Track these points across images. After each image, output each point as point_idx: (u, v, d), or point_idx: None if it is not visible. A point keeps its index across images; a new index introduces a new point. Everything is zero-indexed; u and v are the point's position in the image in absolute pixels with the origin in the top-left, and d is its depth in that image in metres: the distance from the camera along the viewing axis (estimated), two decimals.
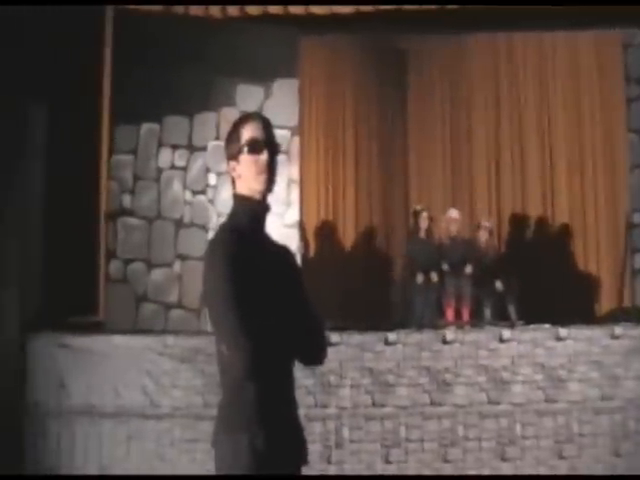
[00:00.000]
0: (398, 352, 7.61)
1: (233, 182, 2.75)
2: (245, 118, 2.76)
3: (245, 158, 2.68)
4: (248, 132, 2.69)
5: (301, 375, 7.15)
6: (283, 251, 2.81)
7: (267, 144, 2.69)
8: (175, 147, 8.95)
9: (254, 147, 2.68)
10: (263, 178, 2.68)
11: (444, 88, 10.61)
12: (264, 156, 2.68)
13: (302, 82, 9.78)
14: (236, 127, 2.73)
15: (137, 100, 8.29)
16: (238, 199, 2.73)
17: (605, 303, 9.90)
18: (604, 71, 10.32)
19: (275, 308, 2.61)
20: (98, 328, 7.77)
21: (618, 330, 7.75)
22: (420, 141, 10.54)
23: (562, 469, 7.07)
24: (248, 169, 2.68)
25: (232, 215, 2.73)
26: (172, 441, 6.90)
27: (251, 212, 2.71)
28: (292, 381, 2.72)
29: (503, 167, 10.45)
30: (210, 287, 2.58)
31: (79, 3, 7.16)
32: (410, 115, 10.53)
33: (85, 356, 7.02)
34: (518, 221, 10.29)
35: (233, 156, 2.71)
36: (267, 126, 2.73)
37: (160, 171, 8.85)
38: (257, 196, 2.70)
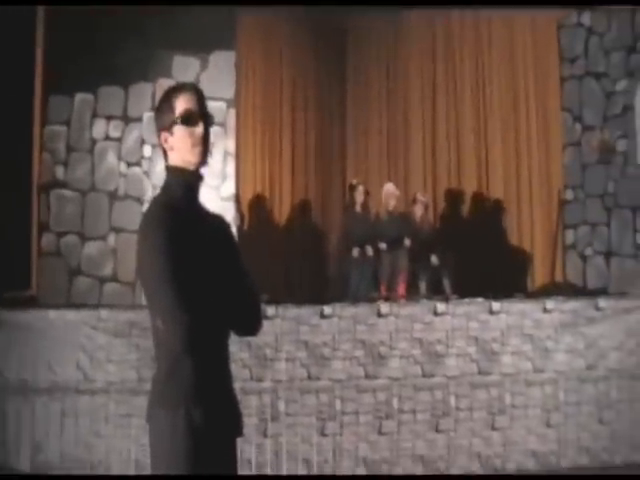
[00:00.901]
0: (334, 325, 7.63)
1: (165, 153, 2.70)
2: (178, 89, 2.69)
3: (179, 130, 2.63)
4: (182, 103, 2.64)
5: (236, 348, 7.17)
6: (219, 222, 2.77)
7: (202, 116, 2.65)
8: (110, 118, 8.79)
9: (189, 119, 2.63)
10: (198, 150, 2.64)
11: (381, 65, 10.65)
12: (199, 128, 2.64)
13: (239, 55, 9.68)
14: (168, 97, 2.67)
15: (71, 70, 8.11)
16: (171, 171, 2.69)
17: (538, 278, 10.07)
18: (539, 51, 10.43)
19: (211, 280, 2.58)
20: (31, 302, 7.63)
21: (550, 304, 7.90)
22: (357, 116, 10.57)
23: (495, 439, 7.21)
24: (182, 141, 2.63)
25: (165, 187, 2.68)
26: (107, 416, 6.84)
27: (185, 184, 2.67)
28: (228, 354, 2.72)
29: (439, 143, 10.53)
30: (144, 261, 2.54)
31: None
32: (348, 90, 10.54)
33: (18, 331, 6.90)
34: (453, 196, 10.38)
35: (166, 127, 2.65)
36: (200, 97, 2.68)
37: (94, 142, 8.70)
38: (191, 167, 2.66)
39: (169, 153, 2.68)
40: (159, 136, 2.68)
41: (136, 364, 6.87)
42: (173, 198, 2.62)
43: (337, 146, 10.54)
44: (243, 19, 9.65)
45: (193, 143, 2.63)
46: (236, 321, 2.68)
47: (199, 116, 2.64)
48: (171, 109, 2.64)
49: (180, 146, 2.64)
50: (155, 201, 2.65)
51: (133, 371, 6.90)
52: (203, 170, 2.69)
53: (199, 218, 2.69)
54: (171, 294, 2.45)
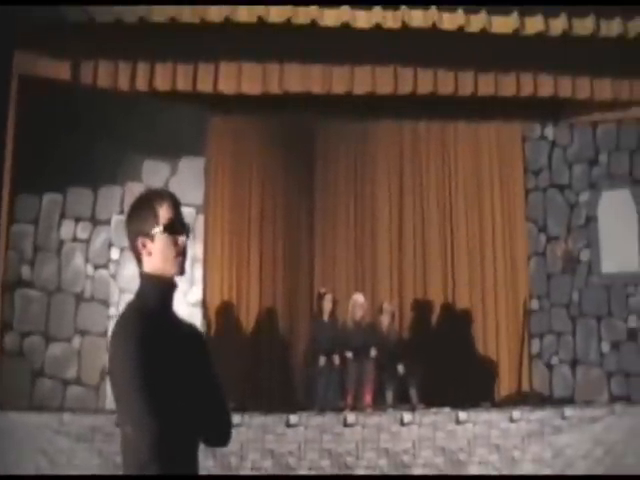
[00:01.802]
0: (300, 434, 7.53)
1: (139, 259, 2.68)
2: (160, 196, 2.69)
3: (162, 238, 2.62)
4: (166, 212, 2.64)
5: (201, 456, 6.99)
6: (192, 331, 2.77)
7: (183, 226, 2.67)
8: (78, 219, 8.78)
9: (173, 228, 2.64)
10: (179, 260, 2.65)
11: (349, 172, 10.79)
12: (183, 238, 2.65)
13: (208, 160, 9.80)
14: (150, 203, 2.67)
15: (40, 169, 8.13)
16: (146, 277, 2.67)
17: (504, 387, 10.03)
18: (504, 162, 10.69)
19: (182, 389, 2.55)
20: None
21: (516, 414, 7.87)
22: (325, 224, 10.65)
23: None
24: (164, 249, 2.63)
25: (140, 294, 2.67)
26: None
27: (160, 291, 2.66)
28: (196, 463, 2.67)
29: (405, 252, 10.62)
30: (116, 367, 2.51)
31: None
32: (316, 197, 10.65)
33: None
34: (420, 305, 10.41)
35: (145, 233, 2.65)
36: (179, 207, 2.70)
37: (62, 243, 8.64)
38: (167, 275, 2.66)
39: (145, 259, 2.66)
40: (135, 240, 2.66)
41: (98, 470, 6.69)
42: (147, 305, 2.61)
43: (305, 254, 10.57)
44: (214, 121, 9.80)
45: (177, 253, 2.63)
46: (206, 432, 2.65)
47: (182, 226, 2.66)
48: (154, 216, 2.63)
49: (161, 254, 2.63)
50: (129, 307, 2.63)
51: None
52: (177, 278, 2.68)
53: (172, 326, 2.68)
54: (141, 401, 2.42)
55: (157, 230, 2.62)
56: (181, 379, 2.56)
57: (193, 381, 2.60)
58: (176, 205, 2.67)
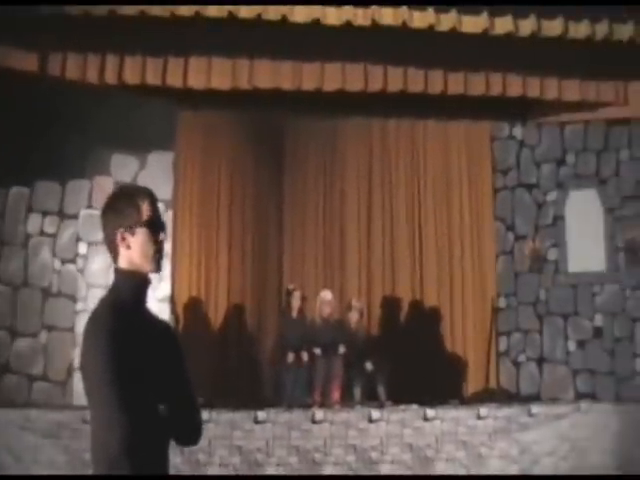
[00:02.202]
0: (267, 431, 7.53)
1: (116, 252, 2.67)
2: (142, 192, 2.70)
3: (143, 233, 2.62)
4: (148, 208, 2.65)
5: (170, 453, 6.97)
6: (164, 327, 2.78)
7: (163, 224, 2.68)
8: (45, 213, 8.71)
9: (154, 225, 2.64)
10: (157, 257, 2.66)
11: (319, 169, 10.80)
12: (162, 235, 2.66)
13: (177, 155, 9.76)
14: (132, 198, 2.66)
15: (6, 162, 8.04)
16: (121, 272, 2.67)
17: (471, 384, 10.09)
18: (473, 161, 10.75)
19: (154, 385, 2.56)
20: None
21: (483, 411, 7.93)
22: (294, 220, 10.65)
23: None
24: (143, 245, 2.63)
25: (114, 289, 2.66)
26: None
27: (135, 287, 2.65)
28: (167, 460, 2.66)
29: (374, 249, 10.64)
30: (88, 362, 2.50)
31: None
32: (285, 193, 10.64)
33: None
34: (388, 303, 10.44)
35: (127, 226, 2.65)
36: (157, 205, 2.71)
37: (28, 237, 8.57)
38: (142, 271, 2.65)
39: (122, 253, 2.64)
40: (113, 233, 2.65)
41: (65, 467, 6.64)
42: (121, 300, 2.61)
43: (274, 250, 10.56)
44: (184, 116, 9.76)
45: (155, 250, 2.64)
46: (177, 430, 2.65)
47: (161, 224, 2.66)
48: (137, 211, 2.63)
49: (140, 249, 2.63)
50: (102, 302, 2.62)
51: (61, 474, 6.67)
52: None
53: (146, 322, 2.68)
54: (112, 395, 2.42)
55: (139, 225, 2.62)
56: (153, 375, 2.56)
57: (165, 378, 2.60)
58: (155, 203, 2.69)
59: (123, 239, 2.65)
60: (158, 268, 2.68)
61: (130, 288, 2.65)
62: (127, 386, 2.43)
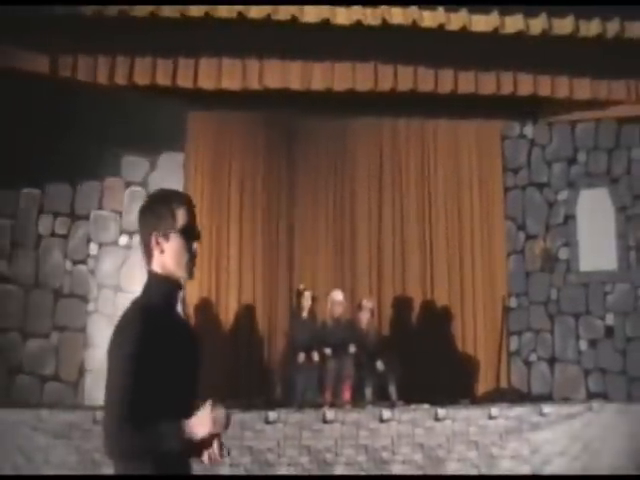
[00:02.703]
0: (278, 431, 7.52)
1: (150, 255, 2.68)
2: (179, 198, 2.72)
3: (177, 240, 2.63)
4: (185, 215, 2.65)
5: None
6: (192, 334, 2.80)
7: (198, 233, 2.68)
8: (56, 214, 8.72)
9: (190, 232, 2.65)
10: (190, 266, 2.67)
11: (329, 169, 10.77)
12: (196, 245, 2.66)
13: (187, 156, 9.78)
14: (169, 203, 2.66)
15: (18, 164, 8.06)
16: (154, 276, 2.68)
17: (483, 384, 10.07)
18: (483, 160, 10.73)
19: (172, 390, 2.57)
20: None
21: (495, 411, 7.90)
22: (305, 220, 10.62)
23: None
24: (177, 251, 2.64)
25: (146, 292, 2.68)
26: None
27: (166, 291, 2.68)
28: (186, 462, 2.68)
29: (384, 249, 10.61)
30: (110, 361, 2.53)
31: None
32: (296, 194, 10.61)
33: None
34: (399, 302, 10.42)
35: (162, 231, 2.65)
36: (194, 212, 2.72)
37: (40, 238, 8.59)
38: (174, 276, 2.66)
39: (156, 256, 2.66)
40: (149, 235, 2.65)
41: (76, 467, 6.64)
42: (152, 304, 2.63)
43: (284, 251, 10.54)
44: (194, 117, 9.78)
45: (189, 257, 2.65)
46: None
47: (196, 232, 2.66)
48: (172, 216, 2.64)
49: (174, 255, 2.65)
50: (134, 304, 2.65)
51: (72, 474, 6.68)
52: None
53: (175, 326, 2.69)
54: (118, 402, 2.44)
55: (173, 230, 2.62)
56: (173, 380, 2.58)
57: (183, 384, 2.62)
58: (192, 210, 2.70)
59: (157, 243, 2.65)
60: (190, 275, 2.68)
61: (161, 292, 2.67)
62: (141, 392, 2.45)
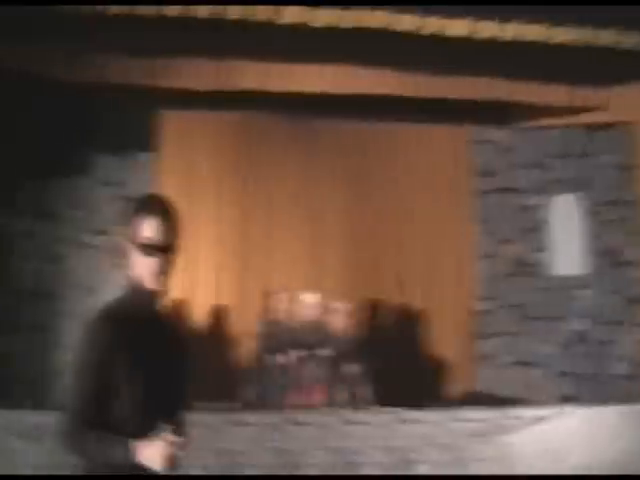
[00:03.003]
0: (249, 433, 7.50)
1: (124, 260, 2.64)
2: (150, 208, 2.67)
3: (135, 254, 2.59)
4: (148, 229, 2.62)
5: None
6: (173, 342, 2.76)
7: (165, 247, 2.58)
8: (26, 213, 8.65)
9: (148, 249, 2.59)
10: (157, 278, 2.62)
11: (299, 169, 10.73)
12: (156, 260, 2.58)
13: (162, 156, 9.75)
14: (138, 212, 2.62)
15: None
16: (128, 280, 2.65)
17: (453, 387, 10.11)
18: (455, 165, 10.78)
19: (139, 399, 2.58)
20: None
21: (464, 414, 7.93)
22: (280, 221, 10.60)
23: None
24: (138, 264, 2.60)
25: (120, 296, 2.64)
26: None
27: (138, 297, 2.63)
28: None
29: (359, 250, 10.62)
30: (77, 366, 2.55)
31: None
32: (271, 194, 10.57)
33: None
34: (373, 304, 10.44)
35: (129, 240, 2.61)
36: (168, 222, 2.65)
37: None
38: (144, 284, 2.61)
39: (126, 262, 2.67)
40: (121, 242, 2.66)
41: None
42: (123, 308, 2.61)
43: (258, 251, 10.50)
44: (169, 116, 9.77)
45: (152, 271, 2.59)
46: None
47: (160, 248, 2.59)
48: (138, 226, 2.62)
49: (137, 266, 2.60)
50: (105, 307, 2.65)
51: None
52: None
53: (144, 333, 2.67)
54: (83, 400, 2.49)
55: (135, 241, 2.56)
56: (135, 388, 2.58)
57: (149, 392, 2.62)
58: (164, 223, 2.63)
59: (125, 250, 2.60)
60: (160, 286, 2.60)
61: (131, 298, 2.61)
62: (98, 396, 2.46)
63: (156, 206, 2.66)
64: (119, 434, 2.43)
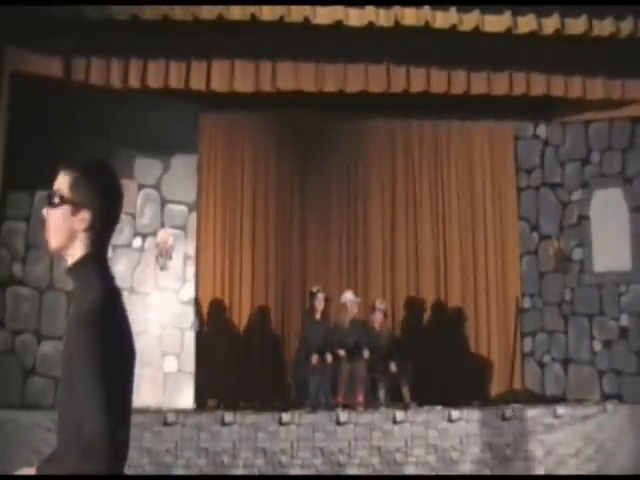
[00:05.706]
0: (292, 433, 7.52)
1: None
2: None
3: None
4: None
5: (193, 455, 6.99)
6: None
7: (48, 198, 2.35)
8: None
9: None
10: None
11: (341, 170, 10.75)
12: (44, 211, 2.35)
13: (201, 158, 9.81)
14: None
15: (32, 167, 8.06)
16: None
17: (496, 386, 10.04)
18: (497, 161, 10.71)
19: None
20: None
21: (508, 412, 7.88)
22: (317, 221, 10.61)
23: None
24: None
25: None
26: None
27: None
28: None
29: (398, 250, 10.59)
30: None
31: None
32: (308, 195, 10.59)
33: None
34: (412, 303, 10.41)
35: None
36: (69, 176, 2.33)
37: None
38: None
39: None
40: None
41: None
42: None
43: (297, 252, 10.53)
44: (207, 119, 9.81)
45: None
46: None
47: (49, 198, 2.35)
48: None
49: None
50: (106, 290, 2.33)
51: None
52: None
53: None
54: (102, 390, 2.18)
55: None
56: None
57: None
58: (66, 176, 2.33)
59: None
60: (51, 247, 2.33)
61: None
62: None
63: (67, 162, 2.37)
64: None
